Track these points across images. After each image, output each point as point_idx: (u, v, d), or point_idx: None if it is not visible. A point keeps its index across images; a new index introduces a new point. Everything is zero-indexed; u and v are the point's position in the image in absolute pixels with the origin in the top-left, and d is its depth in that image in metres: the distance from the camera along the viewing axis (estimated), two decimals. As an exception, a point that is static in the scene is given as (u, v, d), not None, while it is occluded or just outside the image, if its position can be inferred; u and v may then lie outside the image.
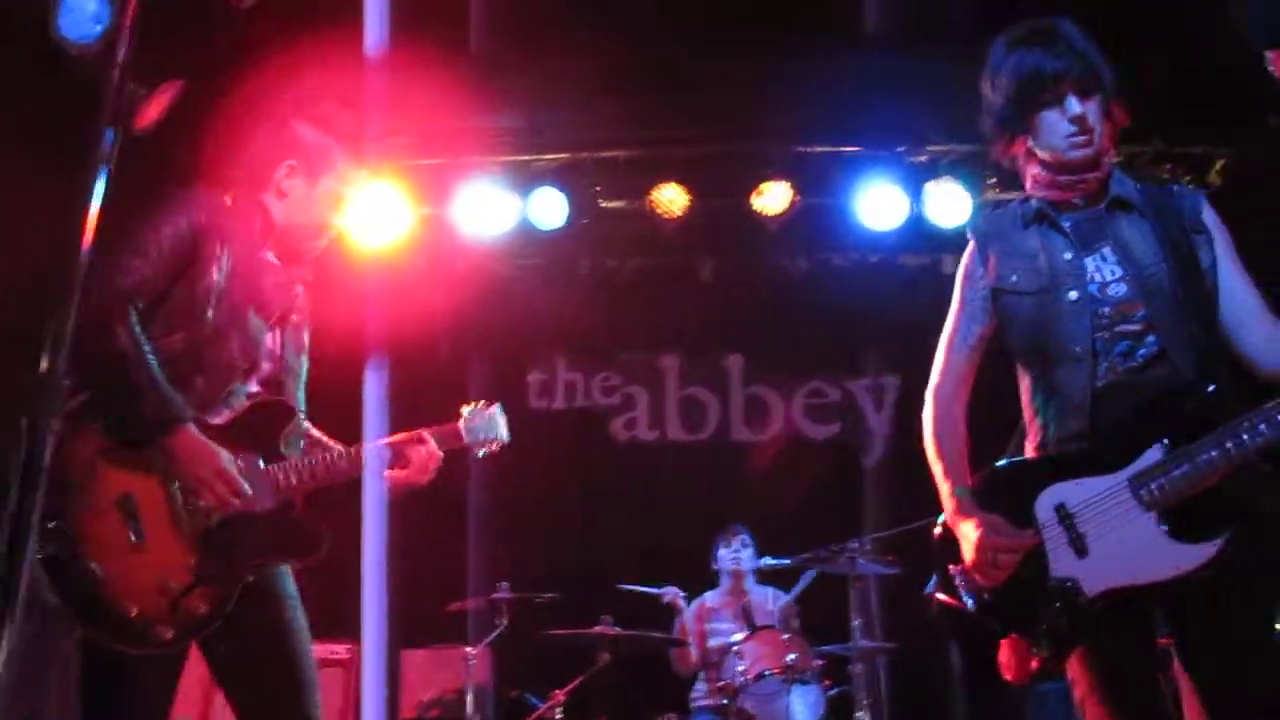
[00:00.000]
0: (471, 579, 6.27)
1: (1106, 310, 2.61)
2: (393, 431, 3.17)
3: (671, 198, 6.06)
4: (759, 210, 6.11)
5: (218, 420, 2.82)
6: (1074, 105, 2.65)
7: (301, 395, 3.07)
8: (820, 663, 5.24)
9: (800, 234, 6.38)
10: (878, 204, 6.12)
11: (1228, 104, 5.64)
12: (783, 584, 6.17)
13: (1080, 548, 2.49)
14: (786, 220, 6.12)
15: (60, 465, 2.59)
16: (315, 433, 3.14)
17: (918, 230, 6.21)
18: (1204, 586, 2.37)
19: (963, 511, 2.63)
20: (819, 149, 6.19)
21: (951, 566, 2.65)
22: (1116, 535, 2.46)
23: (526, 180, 6.04)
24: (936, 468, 2.76)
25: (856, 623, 5.29)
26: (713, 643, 5.84)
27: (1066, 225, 2.71)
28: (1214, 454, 2.39)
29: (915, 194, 6.11)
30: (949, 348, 2.85)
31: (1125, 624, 2.47)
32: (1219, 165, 6.12)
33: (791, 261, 6.83)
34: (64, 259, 1.56)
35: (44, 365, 1.55)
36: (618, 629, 5.13)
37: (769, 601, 6.10)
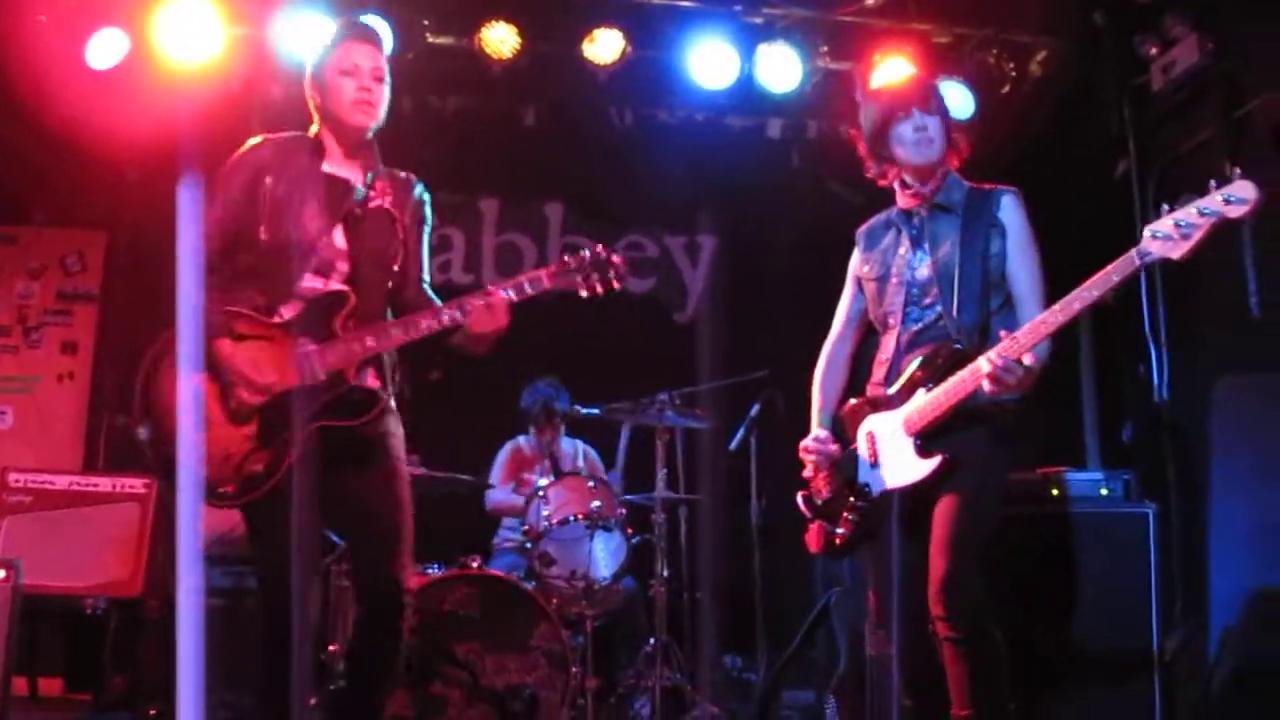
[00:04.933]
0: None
1: (915, 291, 3.46)
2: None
3: (501, 37, 5.88)
4: (589, 58, 5.99)
5: (280, 318, 3.26)
6: (918, 117, 3.47)
7: (414, 271, 3.49)
8: (623, 511, 5.36)
9: (629, 86, 6.29)
10: (709, 61, 6.08)
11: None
12: (590, 437, 6.26)
13: (875, 462, 3.43)
14: (616, 70, 6.02)
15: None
16: (428, 299, 3.47)
17: (747, 92, 6.20)
18: (936, 483, 3.27)
19: (812, 427, 3.68)
20: (655, 0, 6.10)
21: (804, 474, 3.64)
22: (893, 454, 3.38)
23: (352, 6, 5.75)
24: (815, 400, 3.72)
25: (661, 473, 5.42)
26: (522, 488, 5.92)
27: (907, 229, 3.54)
28: (939, 395, 3.25)
29: (748, 55, 6.09)
30: (838, 316, 3.79)
31: (898, 514, 3.37)
32: (1040, 56, 6.27)
33: (619, 113, 6.76)
34: None
35: None
36: (424, 470, 5.11)
37: (577, 452, 6.19)
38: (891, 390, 3.43)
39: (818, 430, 3.66)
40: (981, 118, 6.11)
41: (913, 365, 3.38)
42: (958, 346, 3.30)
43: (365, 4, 5.75)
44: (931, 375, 3.31)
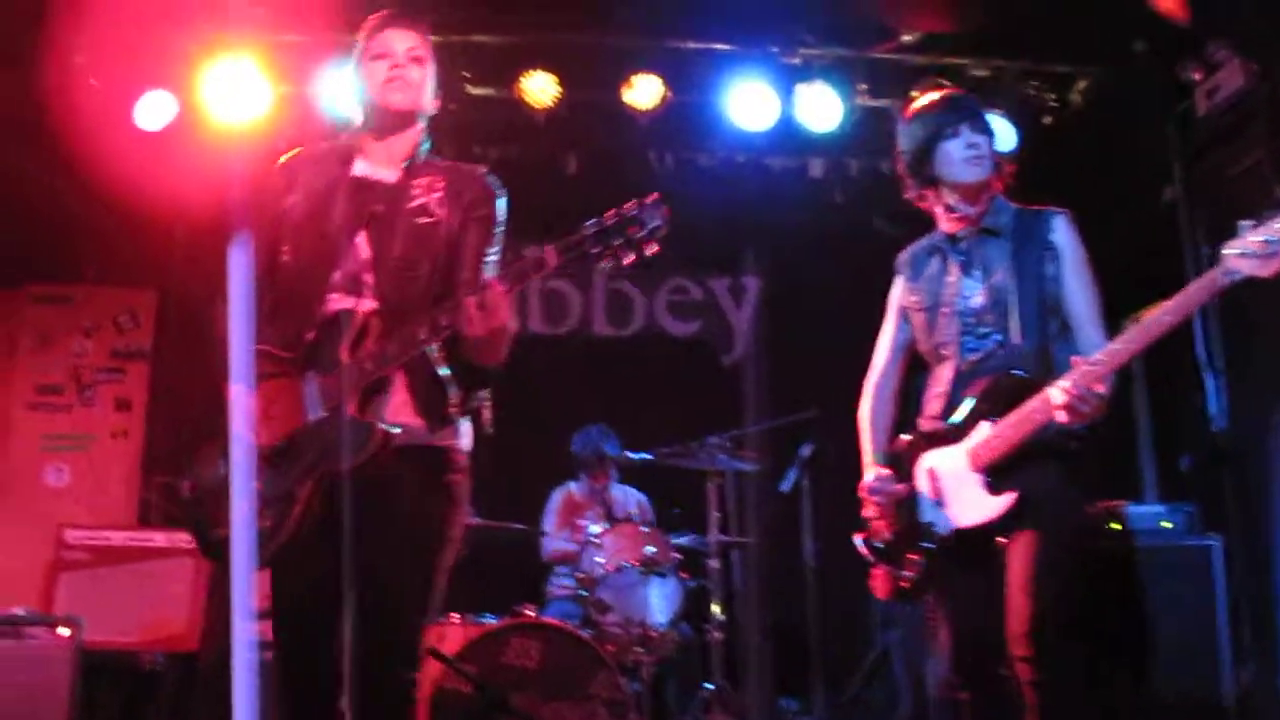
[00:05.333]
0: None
1: (969, 319, 3.31)
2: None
3: (541, 86, 5.94)
4: (629, 104, 6.03)
5: (296, 351, 2.88)
6: (969, 134, 3.34)
7: (466, 277, 2.92)
8: (678, 556, 5.33)
9: (669, 130, 6.33)
10: (748, 103, 6.10)
11: (1096, 26, 5.75)
12: (640, 482, 6.24)
13: (939, 500, 3.26)
14: (656, 115, 6.07)
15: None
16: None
17: (787, 132, 6.22)
18: (1008, 522, 3.11)
19: (869, 466, 3.48)
20: (691, 45, 6.13)
21: (865, 514, 3.43)
22: (959, 490, 3.21)
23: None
24: (865, 437, 3.55)
25: (714, 517, 5.38)
26: (575, 534, 5.90)
27: (954, 254, 3.40)
28: (1010, 429, 3.09)
29: (787, 95, 6.11)
30: (882, 349, 3.62)
31: (966, 553, 3.21)
32: (1081, 86, 6.24)
33: (660, 157, 6.79)
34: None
35: None
36: (477, 519, 5.11)
37: (628, 499, 6.18)
38: (951, 424, 3.28)
39: (878, 469, 3.46)
40: (1023, 150, 6.08)
41: (974, 397, 3.23)
42: (1021, 375, 3.16)
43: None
44: (995, 407, 3.17)
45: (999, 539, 3.17)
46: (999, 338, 3.25)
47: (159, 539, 6.04)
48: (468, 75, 5.97)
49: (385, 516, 2.78)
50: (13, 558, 6.66)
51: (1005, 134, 6.07)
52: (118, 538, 6.05)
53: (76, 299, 7.12)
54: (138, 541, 6.03)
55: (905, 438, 3.45)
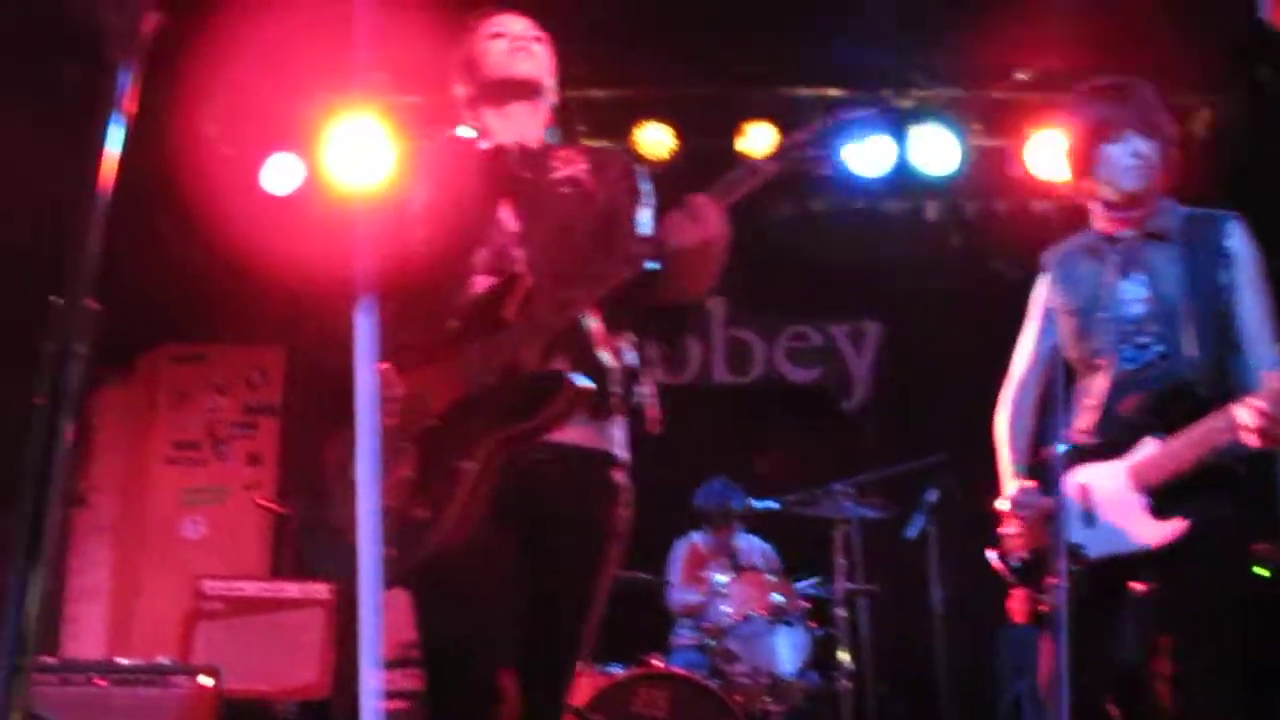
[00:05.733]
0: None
1: (1128, 326, 3.07)
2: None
3: (656, 138, 6.01)
4: (743, 153, 6.06)
5: (443, 334, 2.57)
6: (1136, 142, 3.10)
7: None
8: (805, 605, 5.29)
9: (784, 177, 6.32)
10: (863, 148, 6.08)
11: (1216, 54, 5.63)
12: (765, 531, 6.21)
13: (1089, 519, 2.99)
14: (771, 163, 6.08)
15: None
16: None
17: (902, 176, 6.18)
18: (1173, 554, 2.85)
19: (1009, 478, 3.23)
20: (804, 91, 6.14)
21: (1001, 530, 3.17)
22: (1115, 510, 2.95)
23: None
24: (1003, 448, 3.32)
25: (841, 564, 5.33)
26: (700, 585, 5.88)
27: (1112, 254, 3.15)
28: (1184, 447, 2.85)
29: (901, 138, 6.08)
30: (1022, 354, 3.39)
31: (1111, 579, 2.95)
32: (1204, 116, 6.11)
33: (775, 205, 6.80)
34: (84, 196, 1.51)
35: (68, 291, 1.49)
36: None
37: (753, 548, 6.15)
38: (1108, 437, 3.02)
39: (1021, 481, 3.18)
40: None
41: (1138, 410, 2.99)
42: (1195, 390, 2.93)
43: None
44: (1164, 422, 2.92)
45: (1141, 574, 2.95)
46: (1161, 349, 3.02)
47: (292, 589, 6.16)
48: (583, 129, 6.06)
49: (555, 526, 2.54)
50: (153, 607, 6.89)
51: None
52: (252, 588, 6.19)
53: (210, 357, 7.36)
54: (271, 592, 6.17)
55: (1051, 449, 3.11)
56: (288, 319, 7.21)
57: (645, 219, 2.71)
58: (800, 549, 5.96)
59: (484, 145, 2.76)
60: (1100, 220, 3.22)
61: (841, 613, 5.30)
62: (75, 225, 1.51)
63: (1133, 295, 3.09)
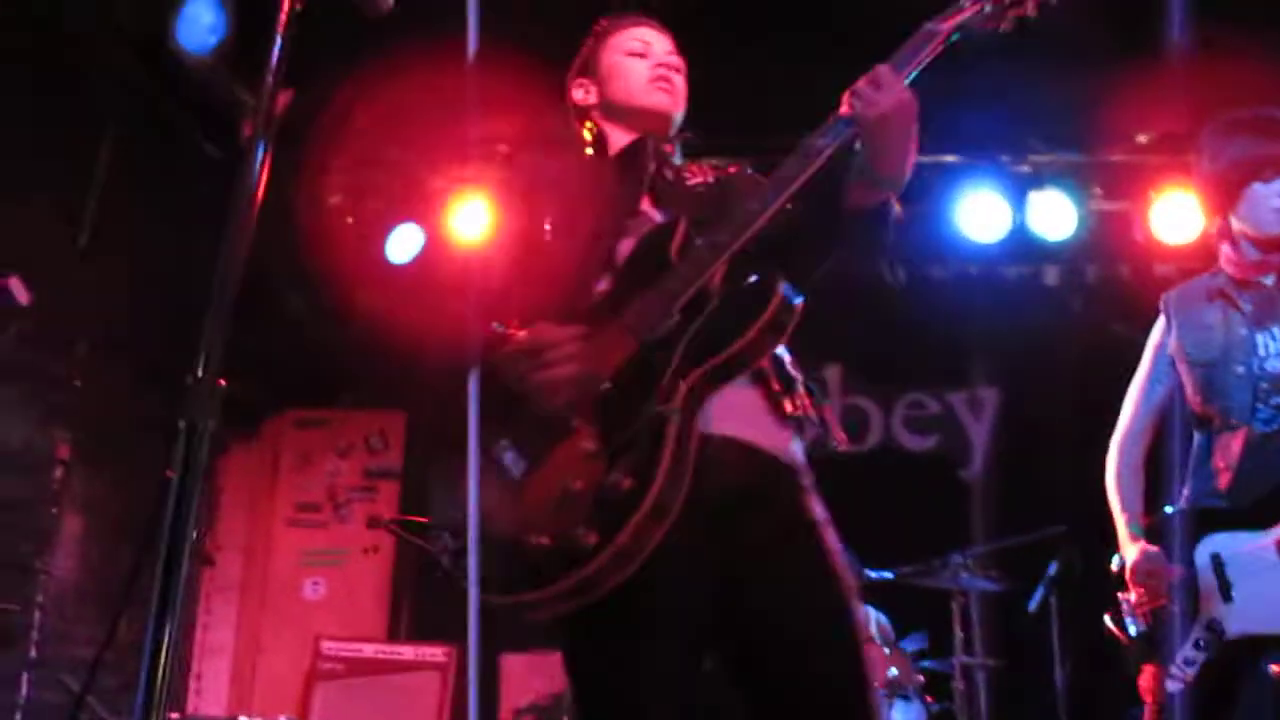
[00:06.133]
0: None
1: (1264, 385, 2.87)
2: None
3: (772, 206, 6.02)
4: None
5: (592, 299, 2.33)
6: None
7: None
8: (921, 679, 5.19)
9: (901, 243, 6.27)
10: (980, 213, 6.04)
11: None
12: (881, 603, 6.11)
13: (1227, 594, 2.75)
14: (888, 229, 6.05)
15: None
16: None
17: (1020, 241, 6.12)
18: None
19: (1130, 540, 2.98)
20: (920, 157, 6.10)
21: (1120, 595, 2.96)
22: (1259, 586, 2.73)
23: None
24: (1115, 505, 3.11)
25: (959, 637, 5.23)
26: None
27: (1245, 302, 2.97)
28: None
29: (1019, 204, 6.02)
30: (1135, 403, 3.19)
31: (1245, 663, 2.75)
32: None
33: (892, 271, 6.75)
34: (224, 270, 1.58)
35: (200, 371, 1.56)
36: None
37: (869, 619, 6.05)
38: (1243, 504, 2.83)
39: (1144, 545, 2.93)
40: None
41: None
42: None
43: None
44: None
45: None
46: None
47: (406, 652, 6.25)
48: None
49: (801, 521, 2.25)
50: (274, 666, 7.02)
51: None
52: (369, 650, 6.30)
53: (333, 422, 7.54)
54: (388, 654, 6.26)
55: (1176, 512, 2.98)
56: (408, 384, 7.37)
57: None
58: (917, 620, 5.86)
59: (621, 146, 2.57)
60: (1231, 264, 3.03)
61: (959, 687, 5.18)
62: (209, 301, 1.59)
63: (1270, 350, 2.89)
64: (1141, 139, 6.03)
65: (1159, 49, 5.34)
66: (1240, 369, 2.91)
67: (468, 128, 5.45)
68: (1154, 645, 2.85)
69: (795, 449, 2.34)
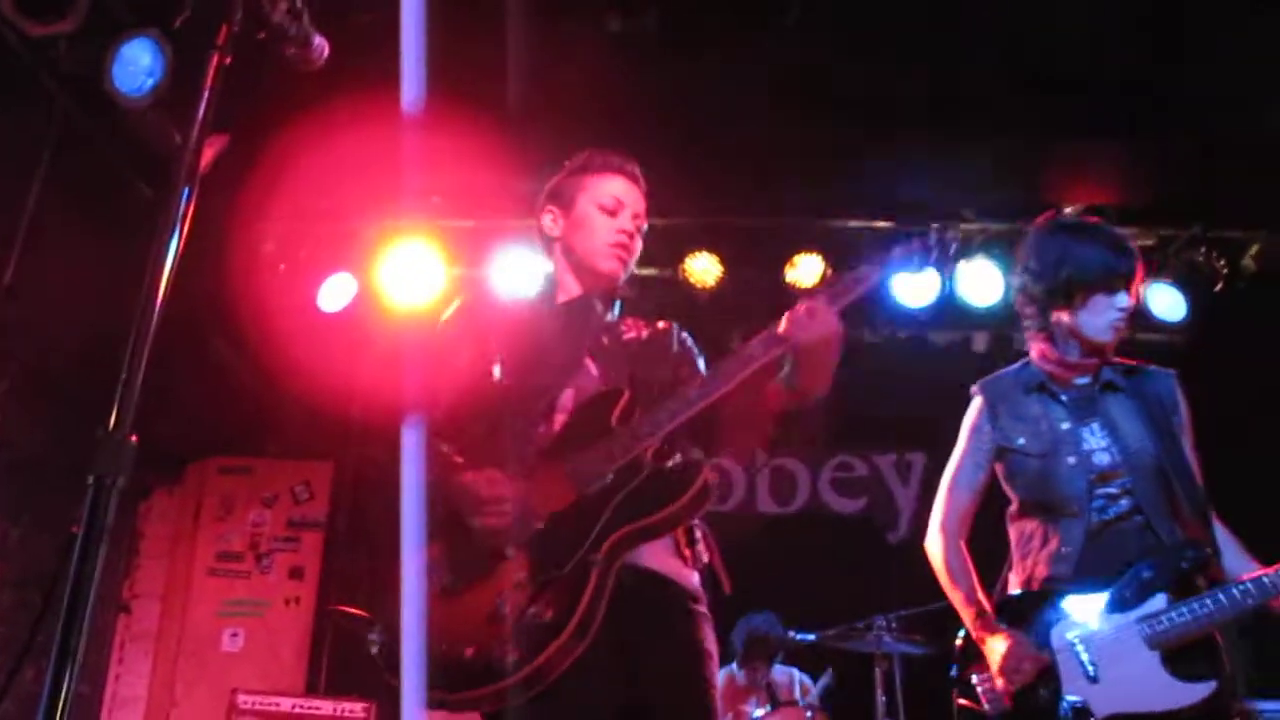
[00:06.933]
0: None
1: (1092, 476, 2.99)
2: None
3: (705, 267, 6.07)
4: (791, 283, 6.10)
5: (536, 445, 2.64)
6: (1124, 299, 3.05)
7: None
8: (841, 739, 5.19)
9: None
10: (910, 281, 6.11)
11: (1263, 187, 5.64)
12: (803, 664, 6.11)
13: (1091, 675, 2.83)
14: (818, 293, 6.10)
15: None
16: None
17: (949, 307, 6.20)
18: (1197, 716, 2.72)
19: (991, 629, 3.00)
20: (852, 224, 6.20)
21: (974, 674, 3.01)
22: (1123, 667, 2.80)
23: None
24: (955, 595, 3.16)
25: (881, 701, 5.23)
26: (738, 719, 5.78)
27: (1064, 398, 3.11)
28: (1211, 608, 2.77)
29: (948, 272, 6.10)
30: (953, 488, 3.29)
31: None
32: (1255, 250, 6.11)
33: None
34: (140, 319, 1.56)
35: (112, 424, 1.55)
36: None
37: (792, 681, 6.05)
38: (1089, 588, 2.92)
39: (1011, 635, 2.93)
40: (1194, 319, 5.96)
41: (1141, 564, 2.89)
42: (1196, 550, 2.88)
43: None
44: (1173, 581, 2.85)
45: None
46: (1128, 503, 2.98)
47: (325, 707, 6.12)
48: (632, 255, 6.12)
49: (677, 624, 2.56)
50: (189, 718, 6.85)
51: (1173, 304, 5.98)
52: (286, 704, 6.16)
53: (257, 471, 7.43)
54: (306, 709, 6.13)
55: (1024, 594, 3.05)
56: (335, 435, 7.30)
57: (700, 368, 2.84)
58: (841, 683, 5.86)
59: (560, 301, 2.89)
60: (1049, 361, 3.16)
61: (882, 750, 5.18)
62: (124, 353, 1.57)
63: (1094, 444, 3.05)
64: (1068, 210, 6.15)
65: (1083, 125, 5.51)
66: (1072, 459, 3.04)
67: (402, 178, 5.45)
68: None
69: (695, 581, 2.66)
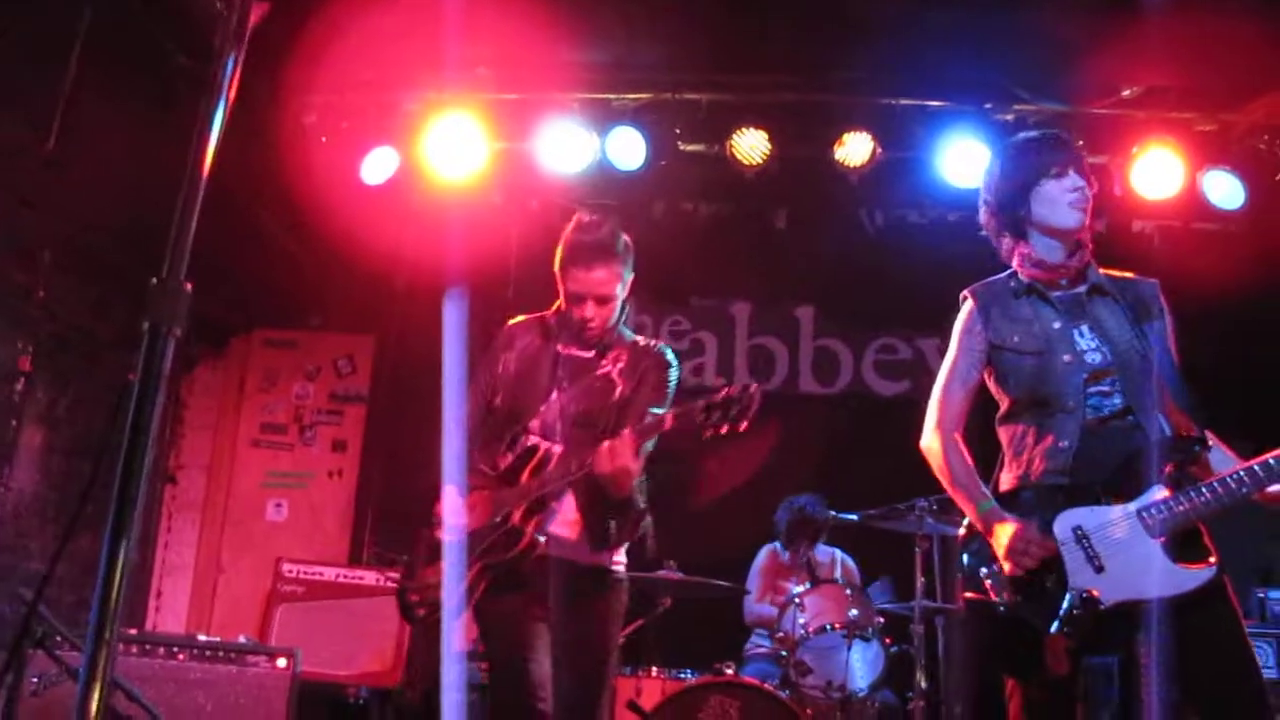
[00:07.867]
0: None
1: (1086, 375, 3.03)
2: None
3: (752, 144, 5.95)
4: (840, 161, 5.98)
5: (497, 470, 3.49)
6: (1074, 179, 3.11)
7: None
8: (881, 620, 5.22)
9: (880, 188, 6.24)
10: (960, 160, 5.98)
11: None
12: (845, 545, 6.13)
13: (1097, 565, 2.87)
14: (867, 173, 5.99)
15: None
16: None
17: (1000, 189, 6.07)
18: (1194, 599, 2.78)
19: (996, 519, 3.00)
20: (904, 101, 6.06)
21: (982, 570, 2.99)
22: (1128, 556, 2.86)
23: (606, 119, 5.97)
24: (958, 491, 3.15)
25: (920, 582, 5.25)
26: (777, 596, 5.83)
27: (1054, 298, 3.15)
28: (1209, 497, 2.81)
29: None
30: (947, 388, 3.29)
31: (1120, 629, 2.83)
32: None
33: (870, 215, 6.72)
34: (190, 178, 1.53)
35: (165, 273, 1.52)
36: (680, 574, 5.11)
37: (834, 560, 6.08)
38: (1086, 481, 2.95)
39: (1018, 522, 2.94)
40: (1252, 207, 5.82)
41: (1137, 456, 2.92)
42: (1202, 443, 2.92)
43: (619, 116, 5.94)
44: (1169, 474, 2.89)
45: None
46: (1120, 401, 3.01)
47: (369, 577, 6.24)
48: (679, 132, 6.03)
49: (558, 615, 3.34)
50: (235, 586, 7.01)
51: (1231, 192, 5.84)
52: (330, 573, 6.29)
53: (301, 344, 7.47)
54: (348, 578, 6.25)
55: (1026, 487, 3.05)
56: (379, 308, 7.31)
57: (657, 409, 3.36)
58: (881, 564, 5.89)
59: (557, 346, 3.56)
60: (1034, 266, 3.20)
61: (919, 630, 5.21)
62: (175, 209, 1.54)
63: (1085, 345, 3.08)
64: (1126, 92, 5.99)
65: (1145, 3, 5.32)
66: (1067, 357, 3.06)
67: (445, 50, 5.36)
68: (1030, 615, 2.89)
69: (611, 561, 3.49)
